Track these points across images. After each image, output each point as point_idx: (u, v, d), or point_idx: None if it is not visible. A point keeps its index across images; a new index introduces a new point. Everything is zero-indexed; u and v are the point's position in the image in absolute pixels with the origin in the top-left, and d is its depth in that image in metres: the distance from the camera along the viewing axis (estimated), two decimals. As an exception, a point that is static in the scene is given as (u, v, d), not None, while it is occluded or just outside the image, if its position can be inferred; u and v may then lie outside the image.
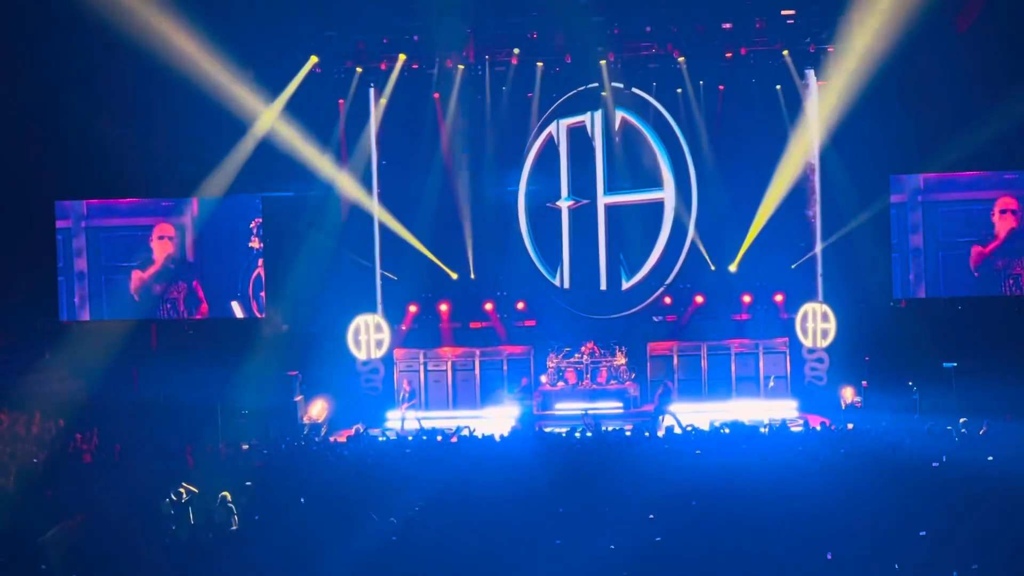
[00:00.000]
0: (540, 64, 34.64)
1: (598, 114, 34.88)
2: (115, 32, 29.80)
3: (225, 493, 19.69)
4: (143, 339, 34.06)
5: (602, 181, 34.95)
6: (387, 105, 35.03)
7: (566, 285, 35.23)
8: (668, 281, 35.09)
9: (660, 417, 30.30)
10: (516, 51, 34.32)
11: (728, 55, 34.12)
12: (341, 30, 34.17)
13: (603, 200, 35.04)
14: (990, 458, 21.44)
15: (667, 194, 34.95)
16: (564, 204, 35.15)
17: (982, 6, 31.80)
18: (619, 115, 34.69)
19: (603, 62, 34.15)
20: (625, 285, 35.24)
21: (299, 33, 33.96)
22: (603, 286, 35.24)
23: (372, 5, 32.02)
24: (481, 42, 34.27)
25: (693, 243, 35.15)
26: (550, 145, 35.24)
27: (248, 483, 20.58)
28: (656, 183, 35.05)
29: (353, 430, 28.83)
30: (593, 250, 35.39)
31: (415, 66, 34.70)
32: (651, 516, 17.66)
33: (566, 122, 35.07)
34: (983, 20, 31.83)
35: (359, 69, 34.77)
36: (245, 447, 24.95)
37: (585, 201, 34.99)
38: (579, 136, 35.15)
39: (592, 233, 35.33)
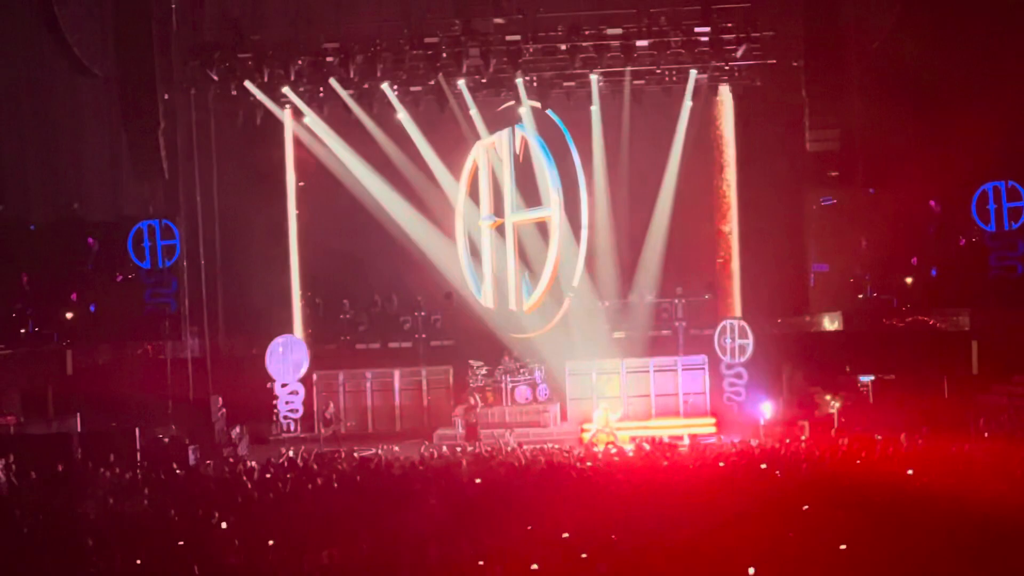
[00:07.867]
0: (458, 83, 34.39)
1: (505, 133, 34.20)
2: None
3: None
4: None
5: (509, 200, 33.95)
6: (311, 125, 35.04)
7: (492, 305, 34.35)
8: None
9: (595, 435, 30.48)
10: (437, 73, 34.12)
11: (643, 72, 34.11)
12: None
13: (511, 219, 33.80)
14: (910, 472, 21.59)
15: (580, 210, 34.34)
16: (485, 224, 34.33)
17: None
18: (520, 134, 33.85)
19: (518, 80, 33.91)
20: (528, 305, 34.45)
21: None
22: (512, 306, 34.12)
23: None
24: (393, 64, 33.96)
25: (603, 260, 35.03)
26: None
27: None
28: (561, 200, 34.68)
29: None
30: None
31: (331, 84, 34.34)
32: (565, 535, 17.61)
33: (484, 143, 34.48)
34: (901, 32, 32.13)
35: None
36: None
37: (500, 220, 34.19)
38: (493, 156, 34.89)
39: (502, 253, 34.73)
